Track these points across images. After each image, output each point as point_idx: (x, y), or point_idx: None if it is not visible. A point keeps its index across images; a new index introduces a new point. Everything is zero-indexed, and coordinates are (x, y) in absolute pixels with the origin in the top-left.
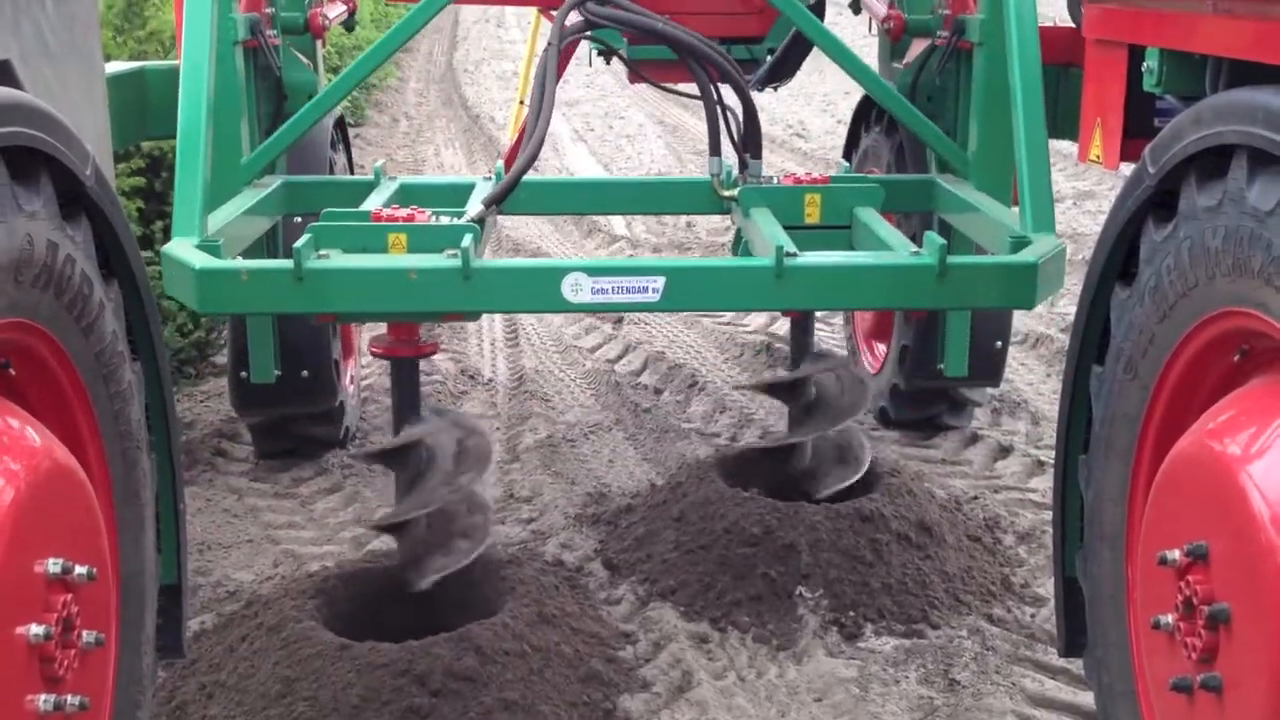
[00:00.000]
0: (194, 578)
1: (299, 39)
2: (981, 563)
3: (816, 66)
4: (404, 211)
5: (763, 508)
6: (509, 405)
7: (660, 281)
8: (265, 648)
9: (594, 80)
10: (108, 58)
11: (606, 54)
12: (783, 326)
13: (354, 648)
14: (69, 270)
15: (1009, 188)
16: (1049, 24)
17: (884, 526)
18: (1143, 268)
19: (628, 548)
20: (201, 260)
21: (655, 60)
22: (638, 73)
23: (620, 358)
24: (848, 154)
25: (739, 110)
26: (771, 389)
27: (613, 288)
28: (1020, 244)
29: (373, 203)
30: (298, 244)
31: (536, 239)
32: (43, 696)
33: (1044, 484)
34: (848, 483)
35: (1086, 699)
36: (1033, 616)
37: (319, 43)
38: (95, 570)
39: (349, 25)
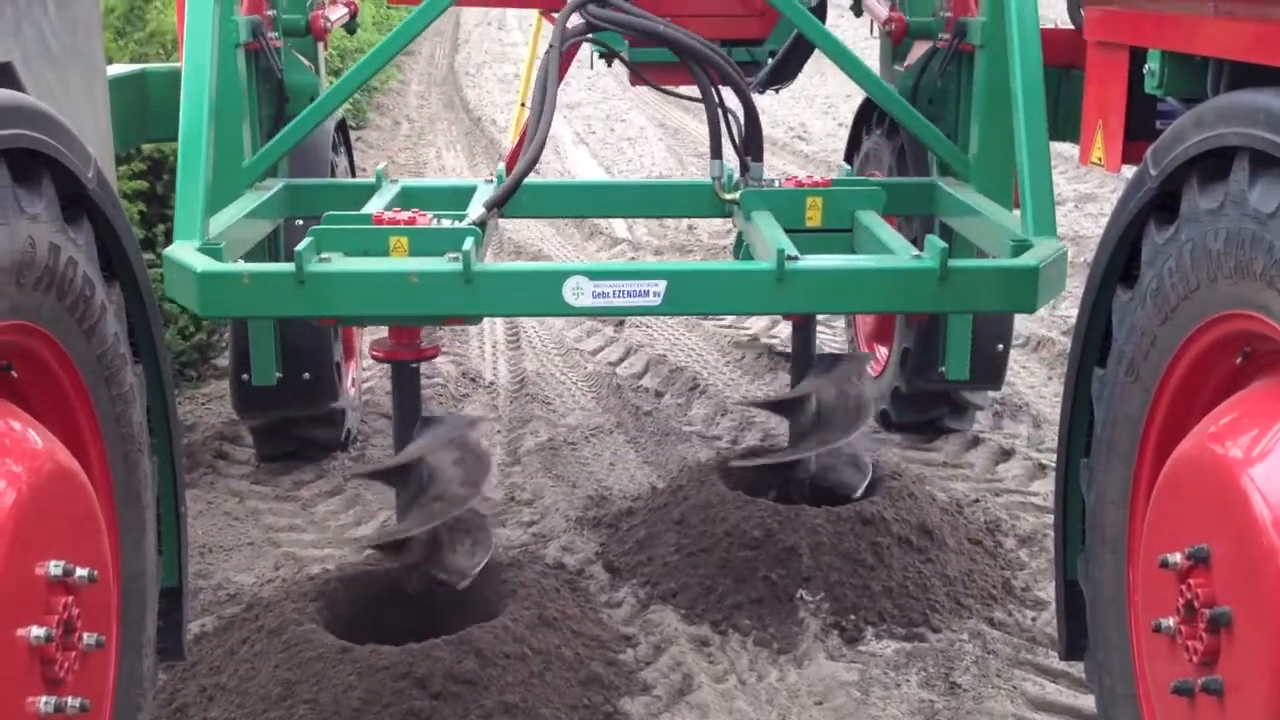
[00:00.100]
0: (195, 580)
1: (301, 41)
2: (983, 566)
3: (818, 69)
4: (405, 214)
5: (764, 511)
6: (510, 408)
7: (661, 285)
8: (266, 650)
9: (595, 83)
10: (109, 60)
11: (608, 57)
12: (784, 330)
13: (355, 650)
14: (71, 273)
15: (1010, 190)
16: (1050, 26)
17: (885, 530)
18: (1144, 270)
19: (629, 551)
20: (203, 263)
21: (656, 63)
22: (639, 75)
23: (621, 360)
24: (849, 157)
25: (740, 113)
26: (769, 406)
27: (614, 291)
28: (1021, 247)
29: (374, 206)
30: (299, 247)
31: (538, 242)
32: (43, 698)
33: (1045, 487)
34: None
35: (1088, 702)
36: (1034, 620)
37: (321, 45)
38: (96, 572)
39: (350, 28)
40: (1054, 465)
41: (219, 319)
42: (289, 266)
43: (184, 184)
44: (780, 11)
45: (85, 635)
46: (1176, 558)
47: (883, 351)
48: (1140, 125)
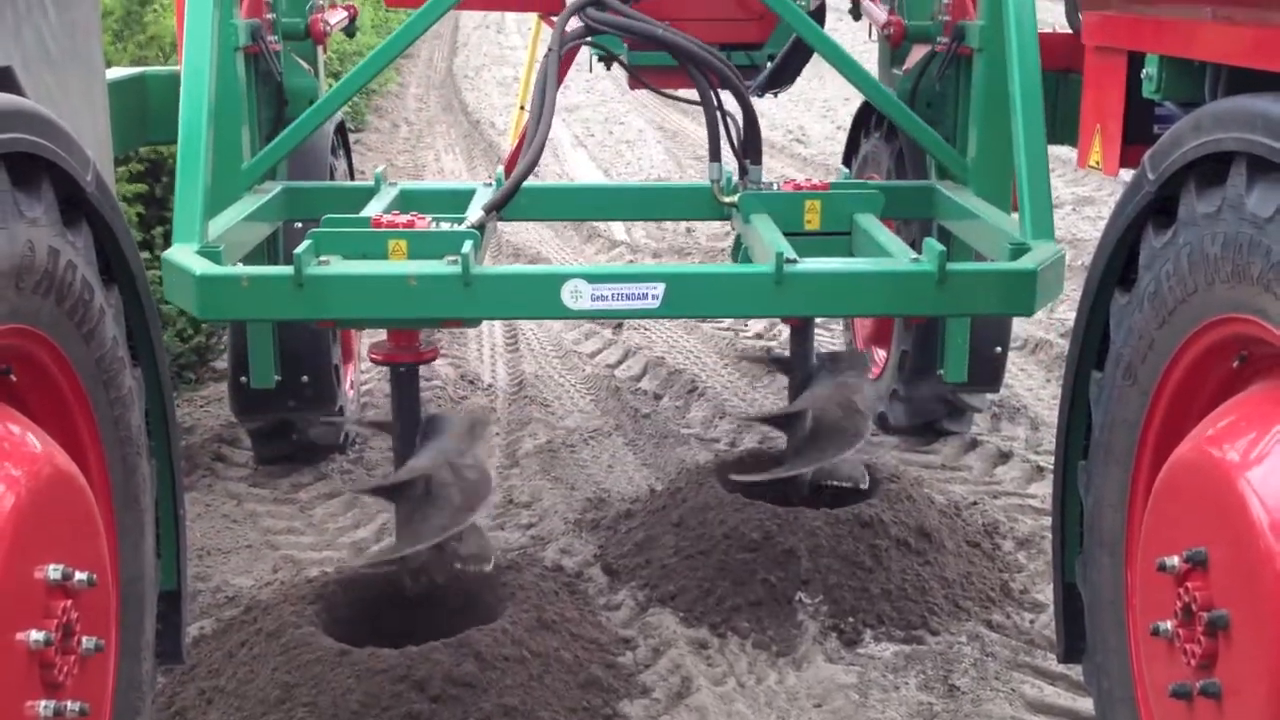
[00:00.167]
0: (193, 583)
1: (300, 45)
2: (981, 568)
3: (816, 72)
4: (404, 217)
5: (762, 513)
6: (509, 410)
7: (660, 288)
8: (264, 653)
9: (594, 86)
10: (108, 64)
11: (607, 60)
12: (783, 332)
13: (353, 653)
14: (70, 276)
15: (1008, 194)
16: (1048, 30)
17: (883, 532)
18: (1142, 274)
19: (627, 553)
20: (202, 266)
21: (655, 66)
22: (638, 78)
23: (620, 363)
24: (847, 160)
25: (739, 116)
26: (769, 422)
27: (612, 294)
28: (1020, 251)
29: (373, 209)
30: (298, 250)
31: (536, 244)
32: (43, 702)
33: (1043, 490)
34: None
35: (1086, 705)
36: (1032, 622)
37: (320, 49)
38: (95, 576)
39: (350, 31)
40: (1052, 468)
41: (217, 322)
42: (288, 269)
43: (183, 187)
44: (779, 15)
45: (84, 639)
46: (1174, 561)
47: (881, 354)
48: (1138, 129)
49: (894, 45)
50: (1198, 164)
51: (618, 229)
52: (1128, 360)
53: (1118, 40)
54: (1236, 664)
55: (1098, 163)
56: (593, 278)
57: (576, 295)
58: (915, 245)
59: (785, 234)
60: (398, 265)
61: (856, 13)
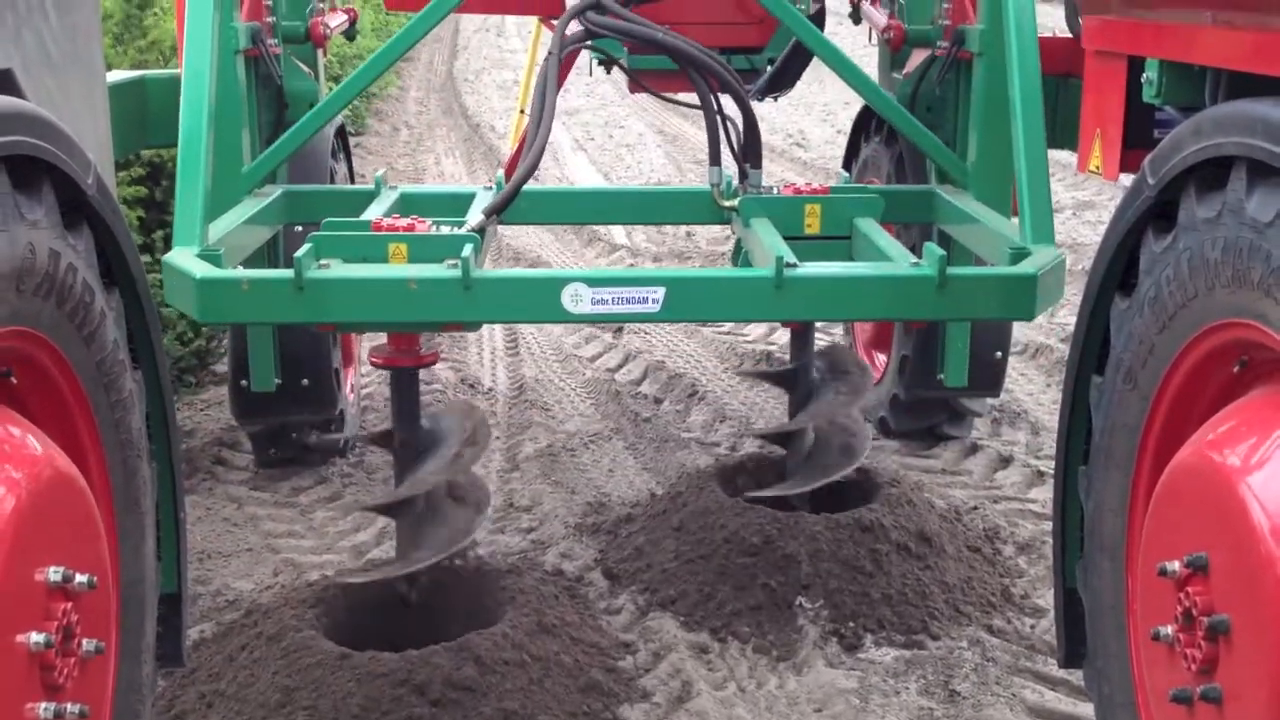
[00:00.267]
0: (194, 586)
1: (300, 48)
2: (981, 573)
3: (816, 76)
4: (404, 221)
5: (762, 518)
6: (509, 414)
7: (660, 292)
8: (265, 657)
9: (594, 89)
10: (108, 67)
11: (607, 63)
12: (782, 336)
13: (354, 657)
14: (70, 279)
15: (1008, 198)
16: (1048, 35)
17: (884, 537)
18: (1142, 278)
19: (627, 557)
20: (202, 269)
21: (655, 70)
22: (638, 82)
23: (620, 367)
24: (847, 164)
25: (739, 120)
26: (768, 437)
27: (613, 298)
28: (1020, 255)
29: (373, 212)
30: (298, 253)
31: (536, 248)
32: (43, 705)
33: (1044, 494)
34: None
35: (1087, 710)
36: (1033, 627)
37: (320, 52)
38: (95, 578)
39: (350, 34)
40: (1052, 472)
41: (218, 325)
42: (288, 273)
43: (183, 190)
44: (779, 19)
45: (84, 641)
46: (1175, 566)
47: (881, 359)
48: (1138, 134)
49: (894, 49)
50: (1198, 168)
51: (618, 233)
52: (1128, 365)
53: (1118, 45)
54: (1237, 669)
55: (1098, 167)
56: (593, 281)
57: (577, 299)
58: (915, 250)
59: (785, 238)
60: (398, 269)
61: (856, 17)
